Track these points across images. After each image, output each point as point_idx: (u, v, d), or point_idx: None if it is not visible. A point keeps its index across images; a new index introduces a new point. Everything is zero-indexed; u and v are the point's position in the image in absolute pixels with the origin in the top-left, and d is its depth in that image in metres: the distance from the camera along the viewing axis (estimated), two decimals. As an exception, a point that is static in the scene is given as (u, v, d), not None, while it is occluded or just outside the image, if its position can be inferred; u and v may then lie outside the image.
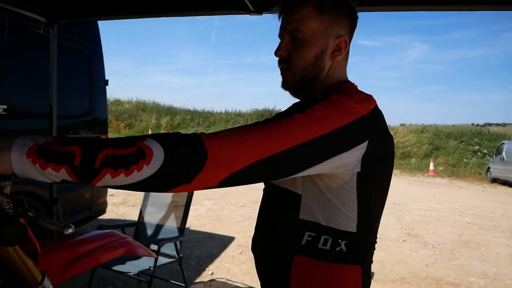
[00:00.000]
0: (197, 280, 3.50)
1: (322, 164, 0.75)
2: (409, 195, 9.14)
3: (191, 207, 6.57)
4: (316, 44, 0.87)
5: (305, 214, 0.85)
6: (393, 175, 0.94)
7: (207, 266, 3.83)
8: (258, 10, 2.10)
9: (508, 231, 6.56)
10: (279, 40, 0.93)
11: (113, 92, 27.15)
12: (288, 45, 0.90)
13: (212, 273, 3.68)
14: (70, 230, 0.86)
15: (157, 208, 3.14)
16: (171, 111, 21.80)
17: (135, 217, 3.38)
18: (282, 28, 0.91)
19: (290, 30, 0.88)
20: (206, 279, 3.54)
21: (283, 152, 0.70)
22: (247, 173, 0.69)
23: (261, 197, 1.04)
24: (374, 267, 4.50)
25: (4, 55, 2.94)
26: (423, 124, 26.00)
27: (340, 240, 0.84)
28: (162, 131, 19.70)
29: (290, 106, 0.85)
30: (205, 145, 0.66)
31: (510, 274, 4.33)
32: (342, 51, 0.90)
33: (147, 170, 0.62)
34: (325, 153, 0.74)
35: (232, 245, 4.54)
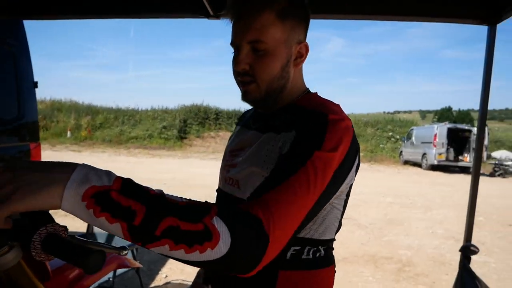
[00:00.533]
0: (152, 285, 3.46)
1: (339, 188, 0.77)
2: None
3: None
4: (281, 54, 0.82)
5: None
6: None
7: (159, 270, 3.80)
8: (217, 15, 2.15)
9: (423, 207, 7.44)
10: (230, 48, 0.85)
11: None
12: (248, 56, 0.81)
13: (166, 276, 3.66)
14: (125, 252, 0.84)
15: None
16: (91, 110, 20.53)
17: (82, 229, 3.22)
18: (238, 36, 0.82)
19: (251, 40, 0.80)
20: (161, 283, 3.51)
21: (318, 200, 0.70)
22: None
23: (213, 194, 0.98)
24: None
25: None
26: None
27: (320, 247, 0.85)
28: (83, 132, 18.49)
29: (299, 137, 0.76)
30: (266, 229, 0.61)
31: (429, 244, 4.96)
32: (303, 57, 0.87)
33: (210, 254, 0.56)
34: (342, 178, 0.76)
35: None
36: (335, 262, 0.93)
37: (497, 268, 4.18)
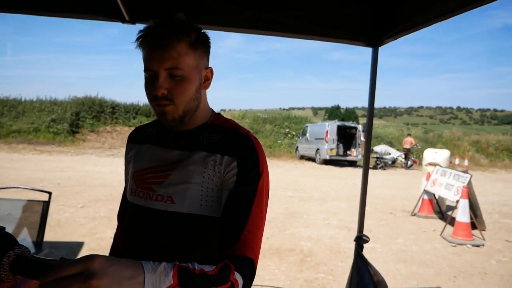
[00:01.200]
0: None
1: None
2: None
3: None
4: (194, 79, 0.95)
5: None
6: None
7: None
8: (132, 20, 2.12)
9: (319, 200, 8.16)
10: (143, 68, 0.94)
11: None
12: (166, 82, 0.91)
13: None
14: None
15: (7, 223, 2.71)
16: (-41, 100, 17.61)
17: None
18: (155, 64, 0.91)
19: (168, 67, 0.90)
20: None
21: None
22: None
23: (115, 193, 1.00)
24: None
25: None
26: (240, 109, 28.57)
27: None
28: (-51, 124, 15.75)
29: (240, 169, 0.94)
30: (255, 263, 0.89)
31: (326, 234, 5.50)
32: (209, 80, 1.02)
33: None
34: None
35: (83, 251, 4.26)
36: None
37: (382, 252, 4.85)
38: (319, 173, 13.40)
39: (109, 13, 2.00)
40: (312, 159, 17.94)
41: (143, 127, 1.15)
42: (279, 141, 21.10)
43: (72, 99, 19.52)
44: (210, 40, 1.01)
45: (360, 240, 2.58)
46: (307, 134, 18.52)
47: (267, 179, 0.98)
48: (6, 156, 11.89)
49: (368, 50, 2.34)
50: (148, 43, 0.91)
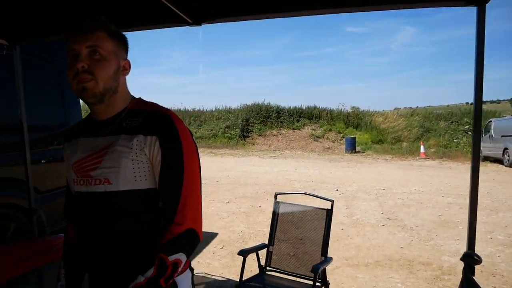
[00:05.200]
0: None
1: None
2: (396, 180, 9.31)
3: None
4: (113, 61, 1.06)
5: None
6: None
7: (187, 263, 3.98)
8: (197, 22, 2.23)
9: (489, 208, 6.74)
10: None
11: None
12: (87, 58, 1.01)
13: (193, 269, 3.83)
14: None
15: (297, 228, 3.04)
16: (162, 113, 21.94)
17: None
18: (77, 43, 1.01)
19: (90, 45, 1.01)
20: (186, 276, 3.69)
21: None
22: None
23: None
24: (349, 253, 4.63)
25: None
26: (411, 107, 26.23)
27: None
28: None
29: (164, 146, 1.05)
30: (198, 232, 1.08)
31: (482, 251, 4.49)
32: (127, 70, 1.13)
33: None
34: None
35: (214, 241, 4.69)
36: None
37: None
38: (504, 178, 11.06)
39: (175, 20, 2.17)
40: (499, 161, 14.94)
41: (75, 126, 1.25)
42: (455, 140, 18.43)
43: (243, 107, 21.72)
44: (127, 39, 1.15)
45: (469, 260, 2.02)
46: (491, 131, 15.53)
47: (191, 149, 1.09)
48: (188, 157, 14.18)
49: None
50: (70, 28, 1.03)
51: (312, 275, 2.60)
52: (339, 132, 19.86)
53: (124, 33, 1.16)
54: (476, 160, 1.95)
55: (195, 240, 1.07)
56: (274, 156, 14.99)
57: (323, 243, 2.86)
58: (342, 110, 21.68)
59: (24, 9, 2.21)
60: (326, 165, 12.12)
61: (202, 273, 3.74)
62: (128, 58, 1.14)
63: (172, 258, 1.01)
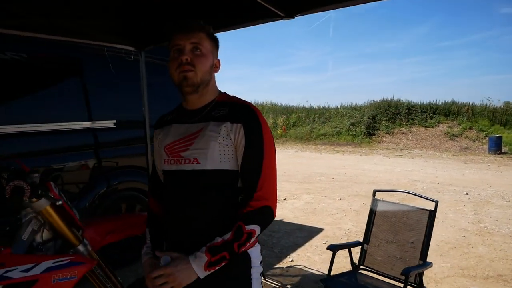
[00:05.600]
0: (277, 266, 3.80)
1: None
2: (550, 187, 7.75)
3: (289, 201, 6.88)
4: (210, 58, 1.26)
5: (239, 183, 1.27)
6: None
7: (288, 254, 4.11)
8: (290, 15, 2.32)
9: None
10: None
11: (235, 97, 29.29)
12: (190, 53, 1.21)
13: (292, 260, 3.94)
14: (59, 202, 1.29)
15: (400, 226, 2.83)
16: (287, 110, 22.54)
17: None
18: (182, 39, 1.22)
19: (193, 42, 1.22)
20: (285, 266, 3.81)
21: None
22: None
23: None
24: (467, 262, 4.21)
25: (106, 83, 3.72)
26: None
27: None
28: (279, 130, 20.56)
29: (248, 131, 1.23)
30: (273, 209, 1.23)
31: None
32: (218, 68, 1.32)
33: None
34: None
35: (319, 236, 4.71)
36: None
37: None
38: None
39: (270, 15, 2.30)
40: None
41: (165, 115, 1.44)
42: None
43: (370, 104, 20.79)
44: (219, 41, 1.34)
45: None
46: None
47: (269, 138, 1.25)
48: (309, 154, 14.29)
49: None
50: (178, 28, 1.25)
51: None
52: (482, 131, 17.37)
53: (223, 32, 1.36)
54: None
55: (270, 216, 1.22)
56: (400, 155, 14.00)
57: (423, 246, 2.64)
58: (488, 105, 18.90)
59: (146, 18, 2.61)
60: (460, 166, 10.79)
61: (301, 265, 3.82)
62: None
63: (248, 227, 1.17)
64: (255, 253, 1.31)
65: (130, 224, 1.75)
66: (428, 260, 2.61)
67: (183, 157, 1.25)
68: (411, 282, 2.52)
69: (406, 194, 3.33)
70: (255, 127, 1.22)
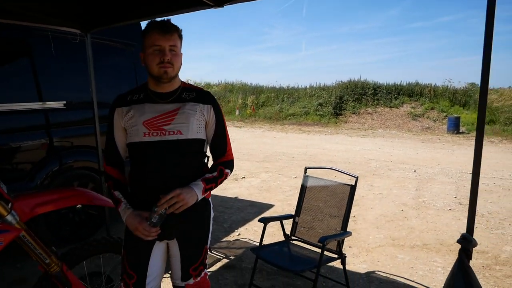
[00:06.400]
0: (224, 240, 4.06)
1: None
2: (491, 164, 8.36)
3: (247, 179, 7.08)
4: (181, 55, 1.65)
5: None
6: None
7: (237, 229, 4.37)
8: (219, 4, 2.46)
9: None
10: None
11: (204, 77, 29.00)
12: (169, 53, 1.57)
13: (239, 234, 4.21)
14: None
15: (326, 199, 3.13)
16: (257, 90, 22.66)
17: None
18: (163, 41, 1.56)
19: (171, 44, 1.58)
20: (232, 239, 4.08)
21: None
22: None
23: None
24: (399, 233, 4.62)
25: (57, 64, 3.78)
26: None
27: None
28: (248, 110, 20.72)
29: (216, 110, 1.74)
30: (232, 160, 1.82)
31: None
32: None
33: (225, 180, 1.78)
34: None
35: (268, 212, 4.99)
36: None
37: None
38: None
39: (197, 3, 2.43)
40: None
41: (124, 95, 1.71)
42: None
43: (337, 84, 21.21)
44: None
45: (465, 243, 1.94)
46: None
47: (223, 115, 1.78)
48: (275, 134, 14.58)
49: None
50: (159, 30, 1.56)
51: (330, 247, 2.75)
52: (443, 111, 18.17)
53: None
54: (480, 133, 1.85)
55: (233, 165, 1.81)
56: (364, 135, 14.51)
57: (344, 217, 2.94)
58: (448, 87, 19.69)
59: (90, 1, 2.68)
60: (416, 146, 11.37)
61: (246, 238, 4.09)
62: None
63: (226, 170, 1.75)
64: (211, 202, 1.84)
65: (62, 197, 1.91)
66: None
67: (167, 130, 1.59)
68: (333, 250, 2.83)
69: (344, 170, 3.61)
70: (219, 109, 1.74)
